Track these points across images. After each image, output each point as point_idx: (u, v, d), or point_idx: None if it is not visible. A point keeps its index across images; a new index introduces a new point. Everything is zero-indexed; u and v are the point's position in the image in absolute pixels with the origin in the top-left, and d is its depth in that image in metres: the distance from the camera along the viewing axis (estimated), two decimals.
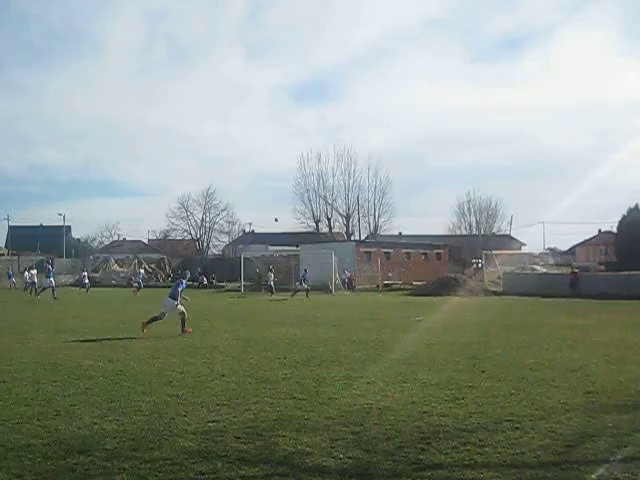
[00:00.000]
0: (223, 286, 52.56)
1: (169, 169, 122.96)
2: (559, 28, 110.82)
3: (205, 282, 54.18)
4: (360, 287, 47.11)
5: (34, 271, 42.10)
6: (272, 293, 39.45)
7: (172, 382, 10.04)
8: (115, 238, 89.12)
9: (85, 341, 15.36)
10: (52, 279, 35.99)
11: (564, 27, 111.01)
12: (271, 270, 42.28)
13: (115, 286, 53.74)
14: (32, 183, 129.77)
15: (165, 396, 8.95)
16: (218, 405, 8.36)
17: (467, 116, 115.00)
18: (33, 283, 40.19)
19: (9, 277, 51.53)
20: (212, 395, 9.01)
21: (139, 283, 42.74)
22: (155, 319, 17.15)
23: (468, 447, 6.39)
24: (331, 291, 42.77)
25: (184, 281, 17.92)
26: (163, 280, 58.58)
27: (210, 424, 7.37)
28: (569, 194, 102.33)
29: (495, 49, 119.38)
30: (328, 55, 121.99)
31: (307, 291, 37.88)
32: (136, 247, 79.01)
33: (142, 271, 49.63)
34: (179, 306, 17.22)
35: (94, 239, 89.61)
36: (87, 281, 44.50)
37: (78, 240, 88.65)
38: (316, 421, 7.52)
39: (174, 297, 17.21)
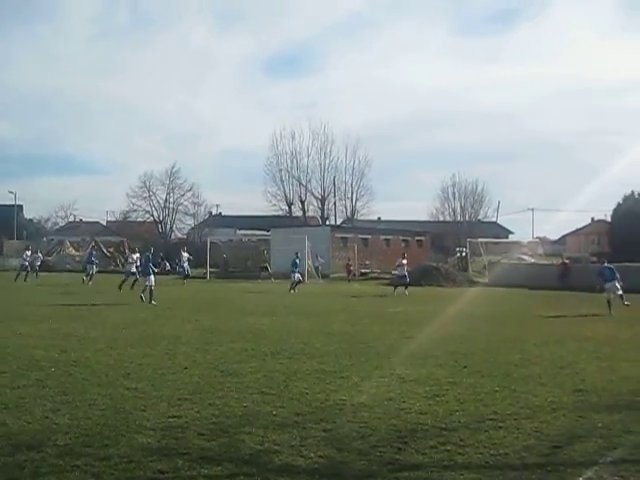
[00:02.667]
0: None
1: (130, 145, 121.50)
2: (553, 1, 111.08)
3: (168, 268, 53.76)
4: (335, 275, 47.13)
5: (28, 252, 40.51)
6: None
7: (130, 374, 9.97)
8: (71, 219, 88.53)
9: (37, 330, 15.13)
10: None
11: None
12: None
13: (70, 271, 53.15)
14: None
15: (122, 389, 8.89)
16: (180, 399, 8.32)
17: (451, 94, 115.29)
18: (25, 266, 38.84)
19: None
20: (173, 389, 8.97)
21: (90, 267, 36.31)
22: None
23: (448, 447, 6.42)
24: (302, 279, 42.64)
25: None
26: (122, 265, 58.04)
27: (171, 419, 7.34)
28: (560, 180, 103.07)
29: (484, 22, 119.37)
30: (304, 24, 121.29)
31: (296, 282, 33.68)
32: (93, 229, 78.38)
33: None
34: None
35: (48, 220, 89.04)
36: (39, 264, 42.73)
37: (30, 221, 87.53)
38: (285, 417, 7.52)
39: None
